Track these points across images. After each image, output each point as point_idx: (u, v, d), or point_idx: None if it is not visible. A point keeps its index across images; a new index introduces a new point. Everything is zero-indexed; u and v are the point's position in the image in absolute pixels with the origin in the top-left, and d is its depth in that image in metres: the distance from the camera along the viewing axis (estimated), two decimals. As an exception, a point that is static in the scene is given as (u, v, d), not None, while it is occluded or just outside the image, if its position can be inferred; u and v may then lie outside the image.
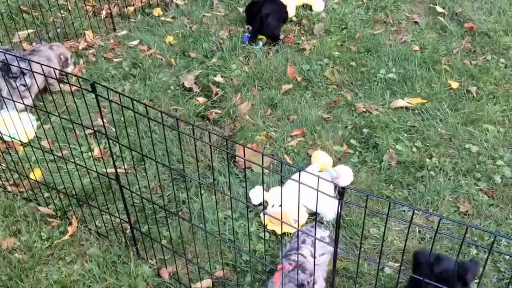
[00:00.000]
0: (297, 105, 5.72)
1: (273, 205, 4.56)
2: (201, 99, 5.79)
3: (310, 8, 7.11)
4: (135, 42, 6.66)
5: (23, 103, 4.39)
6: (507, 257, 4.27)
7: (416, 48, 6.42)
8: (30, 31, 6.63)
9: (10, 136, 4.65)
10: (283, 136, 5.36)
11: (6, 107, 5.35)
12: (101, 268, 4.20)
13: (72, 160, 4.18)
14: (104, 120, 3.90)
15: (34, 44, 6.46)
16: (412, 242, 4.39)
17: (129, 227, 4.24)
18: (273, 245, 4.43)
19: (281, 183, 3.18)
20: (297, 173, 3.04)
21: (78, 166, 4.20)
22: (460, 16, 6.88)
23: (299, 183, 2.85)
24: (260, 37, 6.46)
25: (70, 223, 4.55)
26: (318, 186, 2.70)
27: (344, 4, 7.13)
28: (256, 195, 4.67)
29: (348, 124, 5.49)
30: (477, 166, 4.98)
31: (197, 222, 4.53)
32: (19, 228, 4.53)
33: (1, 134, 4.86)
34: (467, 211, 4.62)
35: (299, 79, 6.04)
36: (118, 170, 3.92)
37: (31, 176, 4.75)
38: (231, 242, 4.34)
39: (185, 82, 5.96)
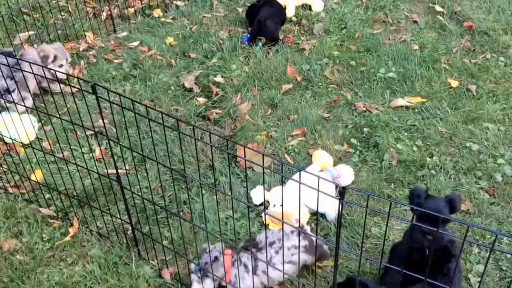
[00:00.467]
0: (297, 104, 5.73)
1: (274, 205, 4.56)
2: (201, 100, 5.80)
3: (310, 8, 7.11)
4: (136, 43, 6.67)
5: (24, 105, 4.40)
6: (509, 255, 4.28)
7: (416, 47, 6.43)
8: (31, 33, 6.64)
9: (11, 138, 4.66)
10: (283, 136, 5.36)
11: (7, 108, 5.36)
12: (102, 269, 4.20)
13: (73, 161, 4.19)
14: (105, 121, 3.90)
15: (35, 46, 6.46)
16: (413, 241, 4.39)
17: (130, 227, 4.25)
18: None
19: (282, 183, 3.18)
20: (298, 173, 3.06)
21: (79, 167, 4.21)
22: (459, 15, 6.89)
23: (299, 183, 2.86)
24: (259, 37, 6.46)
25: (71, 224, 4.55)
26: (318, 186, 2.70)
27: (343, 4, 7.14)
28: (257, 195, 4.68)
29: (348, 124, 5.49)
30: (477, 165, 4.98)
31: (198, 222, 4.53)
32: (21, 229, 4.54)
33: (2, 135, 4.87)
34: (468, 209, 4.62)
35: (299, 79, 6.04)
36: (119, 171, 3.93)
37: (32, 177, 4.76)
38: (232, 242, 4.34)
39: (186, 83, 5.97)
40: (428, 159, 5.01)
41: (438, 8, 7.00)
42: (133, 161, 4.95)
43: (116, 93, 3.49)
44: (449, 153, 5.12)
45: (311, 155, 5.09)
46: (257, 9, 6.64)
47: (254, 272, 3.87)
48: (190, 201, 4.63)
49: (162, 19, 7.11)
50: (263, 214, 4.53)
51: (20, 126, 4.64)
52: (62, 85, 5.65)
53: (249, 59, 6.31)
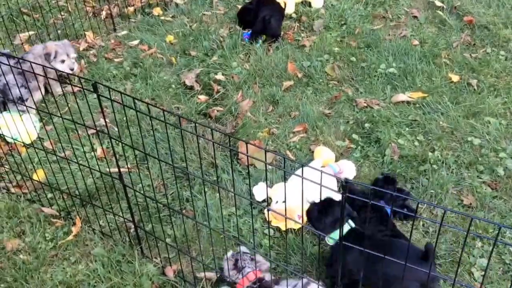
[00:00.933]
0: (298, 101, 5.73)
1: (277, 201, 4.56)
2: (202, 97, 5.80)
3: (309, 4, 7.11)
4: (136, 42, 6.67)
5: (25, 105, 4.41)
6: (512, 248, 4.29)
7: (416, 42, 6.43)
8: (31, 33, 6.64)
9: (12, 138, 4.67)
10: (285, 133, 5.36)
11: (8, 109, 5.37)
12: (105, 268, 4.20)
13: (75, 161, 4.19)
14: (107, 120, 3.90)
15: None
16: (416, 235, 4.40)
17: (133, 226, 4.24)
18: (278, 241, 4.43)
19: (285, 179, 3.18)
20: (300, 169, 3.04)
21: (81, 166, 4.21)
22: (459, 10, 6.89)
23: (302, 179, 2.85)
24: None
25: (74, 223, 4.55)
26: (321, 181, 2.70)
27: (343, 0, 7.13)
28: (259, 191, 4.68)
29: (349, 119, 5.49)
30: (479, 159, 4.98)
31: (201, 219, 4.54)
32: (23, 229, 4.54)
33: (3, 135, 4.87)
34: (470, 203, 4.63)
35: (299, 75, 6.05)
36: (121, 170, 3.92)
37: (34, 177, 4.76)
38: (235, 239, 4.34)
39: (186, 81, 5.97)
40: (430, 153, 5.01)
41: (437, 3, 7.00)
42: (135, 160, 4.94)
43: (117, 91, 3.49)
44: (450, 147, 5.12)
45: (312, 151, 5.09)
46: (255, 9, 6.64)
47: None
48: (193, 198, 4.64)
49: (162, 18, 7.11)
50: (265, 211, 4.53)
51: (21, 126, 4.64)
52: (63, 84, 5.65)
53: (249, 56, 6.31)
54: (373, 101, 5.63)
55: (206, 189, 4.72)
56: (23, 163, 4.85)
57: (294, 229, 4.45)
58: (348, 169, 4.83)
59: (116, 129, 5.18)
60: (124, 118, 5.23)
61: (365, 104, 5.61)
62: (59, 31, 6.71)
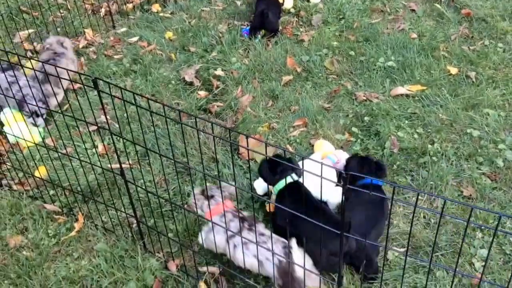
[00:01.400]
0: (298, 95, 5.75)
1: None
2: (202, 93, 5.82)
3: (308, -1, 7.14)
4: (135, 39, 6.69)
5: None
6: (512, 239, 4.31)
7: (414, 35, 6.45)
8: (30, 31, 6.66)
9: (15, 136, 4.69)
10: (285, 127, 5.38)
11: (10, 106, 5.38)
12: (108, 263, 4.22)
13: (77, 157, 4.21)
14: (107, 116, 3.92)
15: (38, 44, 6.48)
16: (417, 227, 4.42)
17: (135, 221, 4.26)
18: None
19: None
20: (300, 162, 3.07)
21: (82, 163, 4.22)
22: (457, 3, 6.91)
23: (302, 171, 2.88)
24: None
25: (77, 220, 4.57)
26: (321, 173, 2.72)
27: (341, -6, 7.16)
28: (260, 185, 4.69)
29: (349, 113, 5.51)
30: (479, 150, 5.01)
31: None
32: (26, 226, 4.55)
33: (6, 133, 4.89)
34: (470, 195, 4.65)
35: (299, 70, 6.07)
36: (123, 165, 3.94)
37: (36, 174, 4.77)
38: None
39: (186, 77, 5.99)
40: (429, 146, 5.03)
41: (435, -4, 7.03)
42: (137, 155, 4.95)
43: (118, 86, 3.52)
44: (450, 139, 5.14)
45: (312, 145, 5.11)
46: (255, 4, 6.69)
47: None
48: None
49: (161, 14, 7.13)
50: (267, 204, 4.55)
51: (24, 127, 4.66)
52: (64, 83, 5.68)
53: (248, 51, 6.33)
54: (372, 95, 5.65)
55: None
56: (25, 160, 4.87)
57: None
58: (345, 159, 4.84)
59: (117, 125, 5.21)
60: (125, 115, 5.25)
61: (365, 98, 5.63)
62: (58, 29, 6.73)
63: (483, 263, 4.01)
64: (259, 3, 6.65)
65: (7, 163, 4.90)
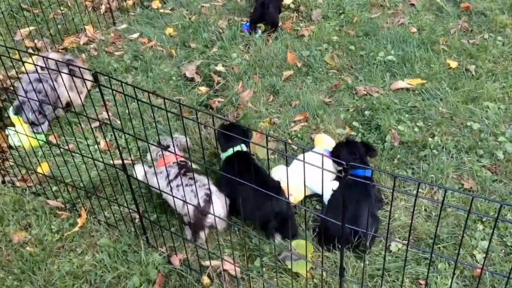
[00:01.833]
0: (298, 90, 5.77)
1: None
2: (203, 89, 5.84)
3: (307, -6, 7.15)
4: (136, 35, 6.71)
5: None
6: (512, 230, 4.33)
7: (414, 29, 6.46)
8: (31, 28, 6.68)
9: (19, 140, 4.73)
10: (286, 122, 5.40)
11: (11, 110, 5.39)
12: (112, 258, 4.24)
13: (79, 153, 4.23)
14: (109, 113, 3.94)
15: (38, 42, 6.50)
16: (418, 220, 4.44)
17: (138, 216, 4.28)
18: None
19: (287, 164, 3.21)
20: (300, 155, 3.09)
21: (85, 159, 4.24)
22: (456, -4, 6.93)
23: (303, 163, 2.89)
24: (259, 24, 6.49)
25: (80, 215, 4.59)
26: (323, 164, 2.74)
27: (341, -11, 7.17)
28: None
29: (349, 107, 5.53)
30: (479, 143, 5.02)
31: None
32: (29, 222, 4.58)
33: (8, 133, 4.91)
34: (471, 187, 4.66)
35: (299, 65, 6.08)
36: (125, 161, 3.96)
37: (39, 170, 4.80)
38: (239, 225, 4.38)
39: (187, 72, 6.01)
40: (430, 139, 5.05)
41: (435, -10, 7.03)
42: (138, 151, 4.99)
43: (118, 80, 3.53)
44: (450, 132, 5.16)
45: (313, 140, 5.13)
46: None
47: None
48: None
49: (161, 10, 7.15)
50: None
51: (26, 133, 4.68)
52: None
53: (249, 47, 6.34)
54: (373, 89, 5.67)
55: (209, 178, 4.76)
56: (28, 157, 4.89)
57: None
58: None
59: (119, 122, 5.22)
60: (126, 111, 5.26)
61: (365, 92, 5.65)
62: (59, 26, 6.75)
63: (484, 255, 4.03)
64: None
65: (10, 160, 4.92)
